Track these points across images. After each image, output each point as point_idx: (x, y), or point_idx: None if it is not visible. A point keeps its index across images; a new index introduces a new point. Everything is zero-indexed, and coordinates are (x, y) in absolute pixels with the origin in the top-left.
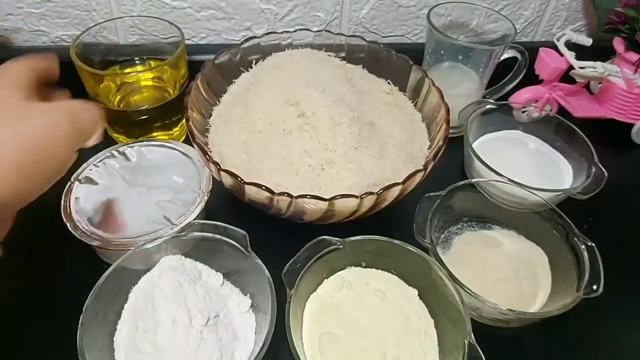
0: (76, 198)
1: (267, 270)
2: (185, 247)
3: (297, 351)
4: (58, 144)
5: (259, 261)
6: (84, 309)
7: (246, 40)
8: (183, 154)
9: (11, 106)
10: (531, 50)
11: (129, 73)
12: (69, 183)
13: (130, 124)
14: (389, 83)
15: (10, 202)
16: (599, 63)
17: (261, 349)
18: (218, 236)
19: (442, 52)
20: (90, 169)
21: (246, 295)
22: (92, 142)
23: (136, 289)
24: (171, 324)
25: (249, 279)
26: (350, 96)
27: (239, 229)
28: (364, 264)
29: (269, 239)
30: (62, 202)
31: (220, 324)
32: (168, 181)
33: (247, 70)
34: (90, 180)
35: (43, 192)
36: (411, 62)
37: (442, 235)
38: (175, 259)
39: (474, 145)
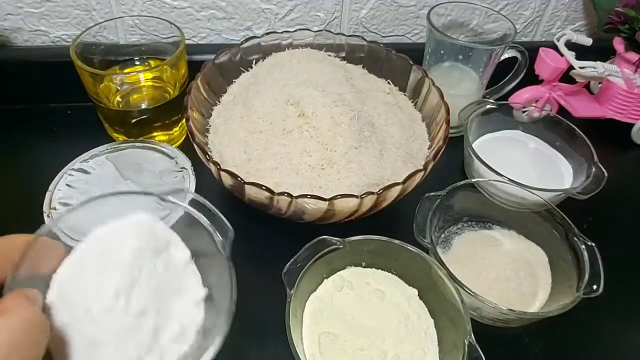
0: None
1: (234, 272)
2: (165, 213)
3: (297, 351)
4: None
5: (230, 263)
6: None
7: (246, 40)
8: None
9: None
10: (531, 50)
11: (129, 73)
12: None
13: (130, 124)
14: (389, 83)
15: None
16: (599, 63)
17: (201, 349)
18: (204, 218)
19: (442, 52)
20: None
21: (204, 287)
22: None
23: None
24: (112, 296)
25: (213, 273)
26: (350, 96)
27: (229, 225)
28: (364, 263)
29: (269, 239)
30: None
31: (164, 312)
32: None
33: (247, 70)
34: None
35: None
36: (411, 62)
37: (442, 235)
38: (149, 218)
39: (474, 145)
